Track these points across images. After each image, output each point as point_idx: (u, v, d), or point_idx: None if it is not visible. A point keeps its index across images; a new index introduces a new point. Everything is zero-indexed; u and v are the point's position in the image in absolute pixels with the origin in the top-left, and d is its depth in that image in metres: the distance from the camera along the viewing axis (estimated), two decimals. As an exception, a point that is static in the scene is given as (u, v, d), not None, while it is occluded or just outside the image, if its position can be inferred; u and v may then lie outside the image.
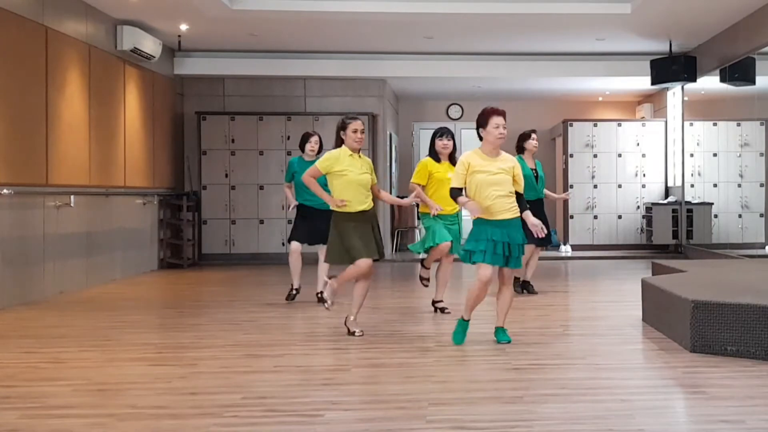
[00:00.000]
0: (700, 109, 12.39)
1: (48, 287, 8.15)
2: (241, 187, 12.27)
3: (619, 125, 13.73)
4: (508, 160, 5.46)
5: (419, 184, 6.75)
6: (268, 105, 12.49)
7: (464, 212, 6.15)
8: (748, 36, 9.84)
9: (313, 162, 6.49)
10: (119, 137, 10.09)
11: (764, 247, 10.43)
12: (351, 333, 5.78)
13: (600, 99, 15.19)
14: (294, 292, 7.60)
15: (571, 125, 13.65)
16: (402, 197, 14.21)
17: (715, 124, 12.03)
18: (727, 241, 11.35)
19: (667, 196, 13.31)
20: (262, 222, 12.25)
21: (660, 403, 3.99)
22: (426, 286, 7.21)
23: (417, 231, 13.70)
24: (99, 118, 9.46)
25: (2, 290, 7.35)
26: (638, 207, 13.48)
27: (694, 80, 11.66)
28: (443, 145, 6.80)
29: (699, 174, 12.21)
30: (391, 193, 12.78)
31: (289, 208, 7.66)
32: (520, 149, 7.95)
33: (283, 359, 5.09)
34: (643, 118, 14.29)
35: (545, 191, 8.02)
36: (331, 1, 9.61)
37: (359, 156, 5.85)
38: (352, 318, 5.85)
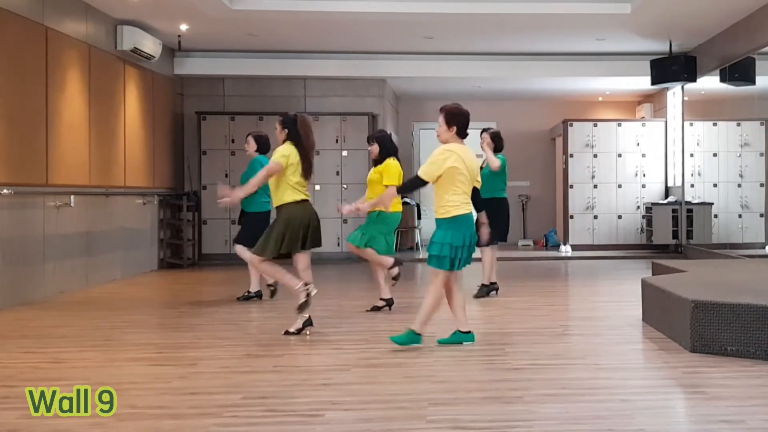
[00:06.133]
0: (700, 109, 12.38)
1: (48, 287, 8.15)
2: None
3: (619, 125, 13.73)
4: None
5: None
6: (268, 105, 12.47)
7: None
8: (748, 36, 9.84)
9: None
10: (119, 137, 10.09)
11: (764, 247, 10.42)
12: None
13: (600, 99, 15.19)
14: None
15: (571, 125, 13.65)
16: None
17: (715, 124, 12.02)
18: (727, 241, 11.34)
19: (667, 196, 13.31)
20: (262, 222, 12.23)
21: (660, 403, 3.99)
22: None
23: (417, 231, 13.67)
24: (99, 118, 9.46)
25: (2, 290, 7.35)
26: (638, 207, 13.47)
27: (694, 80, 11.65)
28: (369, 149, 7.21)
29: (699, 174, 12.21)
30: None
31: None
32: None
33: (283, 359, 5.09)
34: (643, 118, 14.28)
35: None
36: (331, 1, 9.61)
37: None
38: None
